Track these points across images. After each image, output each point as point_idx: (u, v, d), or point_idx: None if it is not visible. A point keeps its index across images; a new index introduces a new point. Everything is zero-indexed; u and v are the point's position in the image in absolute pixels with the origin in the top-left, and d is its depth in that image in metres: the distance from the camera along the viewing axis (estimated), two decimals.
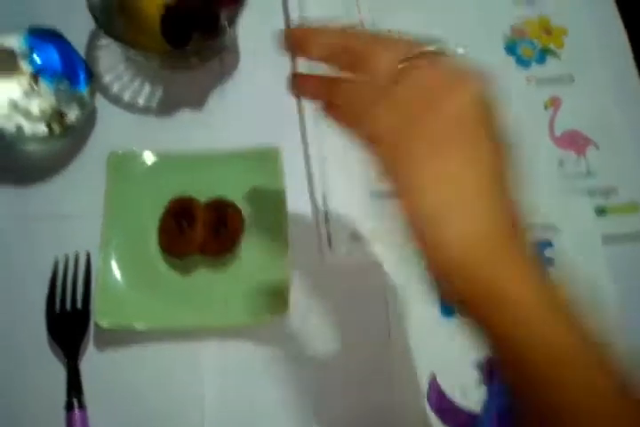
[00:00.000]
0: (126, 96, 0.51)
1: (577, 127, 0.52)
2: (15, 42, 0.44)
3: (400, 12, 0.54)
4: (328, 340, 0.45)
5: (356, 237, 0.47)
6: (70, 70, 0.45)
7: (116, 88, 0.51)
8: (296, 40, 0.32)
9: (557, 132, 0.52)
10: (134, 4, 0.45)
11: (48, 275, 0.45)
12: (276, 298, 0.43)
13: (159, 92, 0.51)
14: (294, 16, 0.53)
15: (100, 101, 0.50)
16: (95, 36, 0.51)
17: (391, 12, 0.53)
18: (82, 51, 0.51)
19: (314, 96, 0.33)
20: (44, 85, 0.43)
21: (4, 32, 0.44)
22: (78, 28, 0.51)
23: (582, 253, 0.48)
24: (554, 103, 0.52)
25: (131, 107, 0.50)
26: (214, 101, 0.50)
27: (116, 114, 0.50)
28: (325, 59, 0.31)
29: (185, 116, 0.50)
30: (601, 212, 0.50)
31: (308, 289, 0.45)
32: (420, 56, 0.28)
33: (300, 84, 0.35)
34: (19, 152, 0.47)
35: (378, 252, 0.46)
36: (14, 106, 0.43)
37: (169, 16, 0.44)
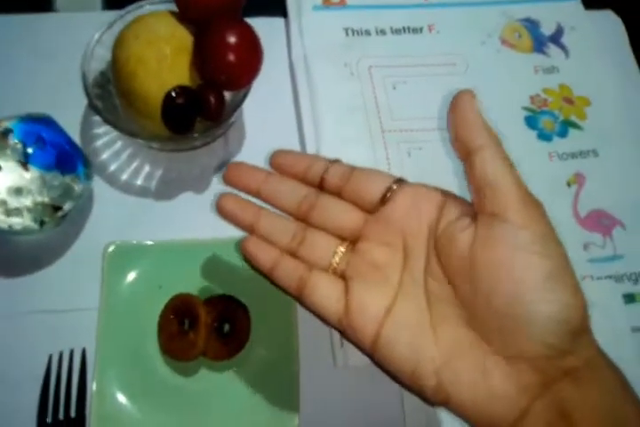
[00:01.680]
0: (124, 176, 0.48)
1: (602, 206, 0.49)
2: (11, 131, 0.41)
3: (413, 82, 0.52)
4: None
5: None
6: (65, 160, 0.41)
7: (113, 167, 0.48)
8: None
9: (582, 212, 0.49)
10: (133, 88, 0.42)
11: (40, 374, 0.41)
12: (284, 408, 0.40)
13: (159, 173, 0.48)
14: (302, 88, 0.51)
15: (96, 181, 0.47)
16: (91, 112, 0.49)
17: (405, 85, 0.51)
18: (76, 127, 0.48)
19: (244, 188, 0.35)
20: (35, 179, 0.40)
21: None
22: (73, 103, 0.48)
23: (610, 343, 0.45)
24: (577, 180, 0.50)
25: (128, 188, 0.47)
26: (218, 183, 0.47)
27: (113, 196, 0.47)
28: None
29: (186, 199, 0.47)
30: (629, 299, 0.47)
31: (318, 393, 0.42)
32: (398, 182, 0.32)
33: (231, 175, 0.36)
34: (6, 243, 0.44)
35: None
36: (4, 204, 0.40)
37: (170, 103, 0.41)
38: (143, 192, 0.47)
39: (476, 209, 0.28)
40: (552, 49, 0.55)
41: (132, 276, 0.43)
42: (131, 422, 0.40)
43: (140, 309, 0.42)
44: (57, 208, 0.41)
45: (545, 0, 0.56)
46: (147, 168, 0.48)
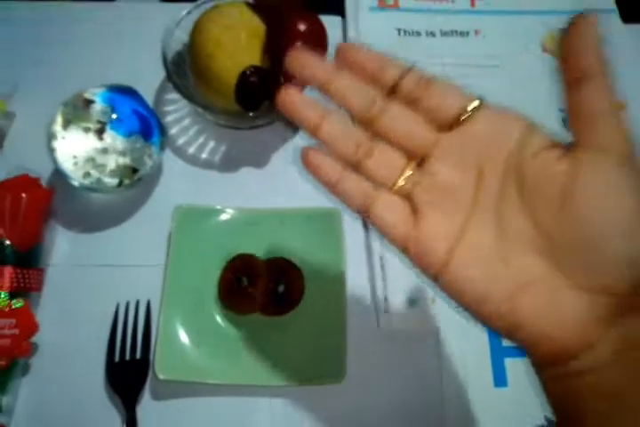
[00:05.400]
0: (191, 149, 0.52)
1: None
2: (95, 99, 0.45)
3: (458, 82, 0.56)
4: (382, 405, 0.45)
5: (413, 302, 0.47)
6: (145, 127, 0.46)
7: (181, 141, 0.52)
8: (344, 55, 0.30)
9: None
10: (210, 67, 0.46)
11: (109, 322, 0.45)
12: (333, 362, 0.43)
13: (223, 148, 0.52)
14: None
15: (165, 153, 0.51)
16: (163, 89, 0.53)
17: None
18: (150, 103, 0.53)
19: (312, 76, 0.30)
20: (119, 142, 0.45)
21: (85, 88, 0.46)
22: (149, 81, 0.53)
23: None
24: None
25: (194, 161, 0.52)
26: (277, 160, 0.52)
27: (180, 166, 0.51)
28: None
29: (246, 173, 0.51)
30: None
31: (362, 352, 0.45)
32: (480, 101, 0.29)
33: (299, 61, 0.30)
34: (85, 199, 0.49)
35: (435, 318, 0.47)
36: (92, 160, 0.44)
37: (244, 82, 0.45)
38: (207, 165, 0.51)
39: (577, 138, 0.27)
40: None
41: (197, 236, 0.47)
42: (190, 366, 0.43)
43: (204, 266, 0.46)
44: (135, 170, 0.45)
45: (582, 12, 0.60)
46: (212, 144, 0.52)
